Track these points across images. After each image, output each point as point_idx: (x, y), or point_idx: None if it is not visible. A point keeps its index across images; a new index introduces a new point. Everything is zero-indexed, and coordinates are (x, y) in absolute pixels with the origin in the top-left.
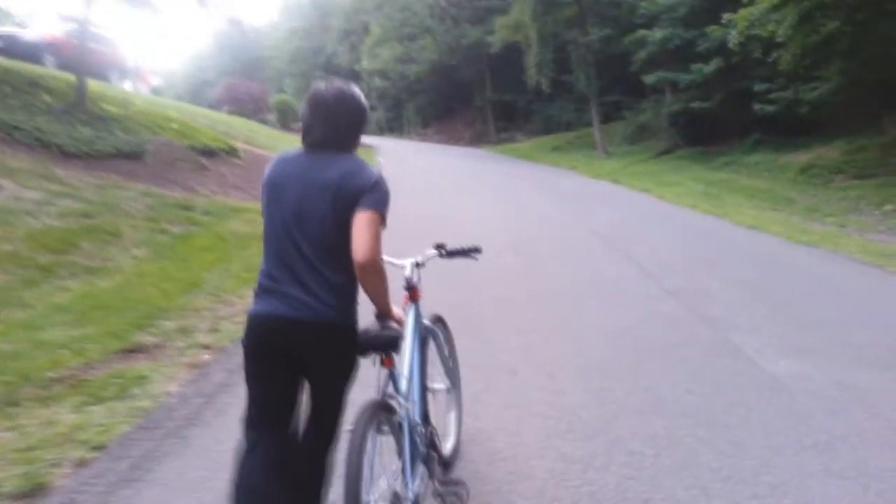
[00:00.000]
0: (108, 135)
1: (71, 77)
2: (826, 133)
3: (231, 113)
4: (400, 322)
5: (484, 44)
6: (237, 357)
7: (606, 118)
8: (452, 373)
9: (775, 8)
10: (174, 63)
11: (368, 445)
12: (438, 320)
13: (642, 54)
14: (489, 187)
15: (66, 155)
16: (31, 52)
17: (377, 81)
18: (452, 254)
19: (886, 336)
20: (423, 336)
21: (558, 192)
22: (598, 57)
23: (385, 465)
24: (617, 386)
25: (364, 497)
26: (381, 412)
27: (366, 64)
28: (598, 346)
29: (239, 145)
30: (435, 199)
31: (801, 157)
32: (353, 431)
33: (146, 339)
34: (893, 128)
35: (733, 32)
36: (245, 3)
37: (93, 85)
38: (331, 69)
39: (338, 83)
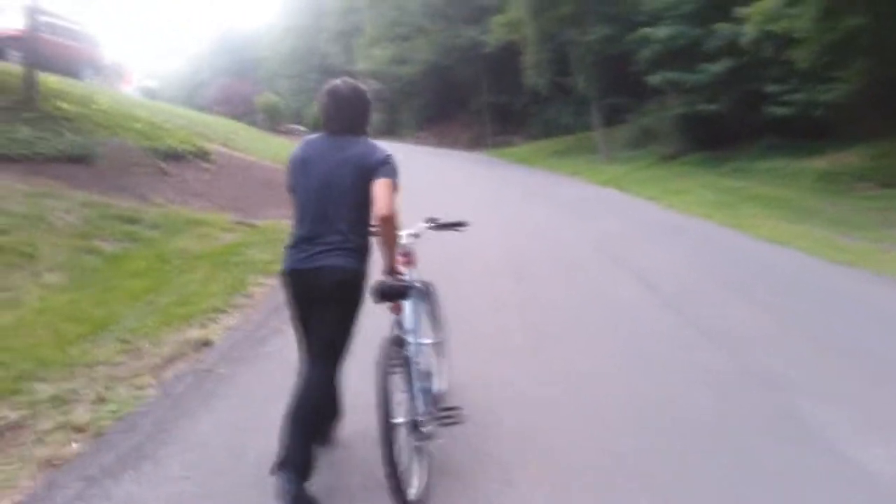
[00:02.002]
0: (54, 136)
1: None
2: (843, 137)
3: (221, 114)
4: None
5: (480, 44)
6: (118, 448)
7: (608, 121)
8: (440, 328)
9: (794, 2)
10: (171, 64)
11: (390, 372)
12: (428, 285)
13: (645, 54)
14: (484, 194)
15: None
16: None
17: (372, 83)
18: (441, 227)
19: None
20: (418, 294)
21: (558, 200)
22: (598, 57)
23: (401, 396)
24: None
25: (392, 414)
26: (396, 346)
27: (360, 65)
28: (621, 428)
29: (214, 148)
30: (422, 207)
31: (818, 163)
32: (378, 363)
33: (2, 413)
34: None
35: (746, 28)
36: (241, 4)
37: (52, 82)
38: (325, 70)
39: (350, 81)
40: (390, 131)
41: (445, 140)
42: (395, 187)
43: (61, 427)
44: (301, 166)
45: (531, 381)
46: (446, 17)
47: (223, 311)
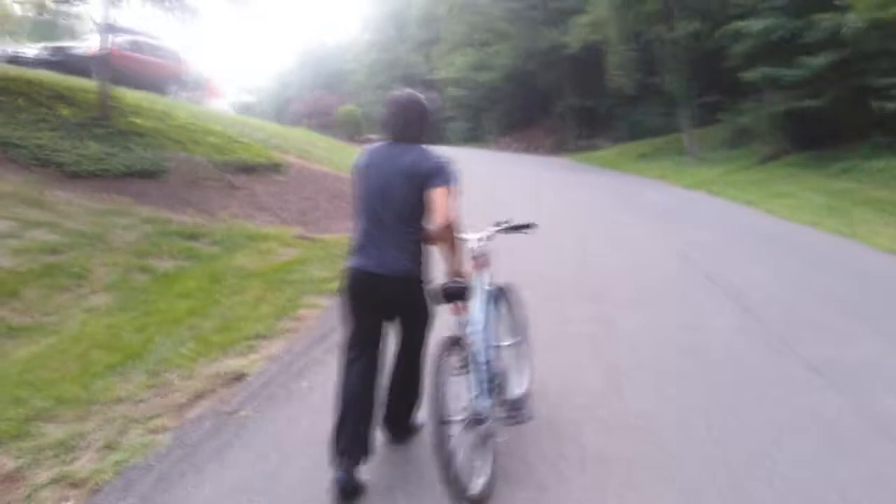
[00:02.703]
0: (124, 151)
1: (121, 90)
2: None
3: (309, 128)
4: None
5: (562, 46)
6: None
7: (699, 122)
8: (520, 329)
9: None
10: (263, 80)
11: (446, 371)
12: (507, 287)
13: (738, 49)
14: (562, 202)
15: (68, 175)
16: (83, 65)
17: (453, 91)
18: (510, 229)
19: None
20: (493, 297)
21: (643, 206)
22: (687, 54)
23: (463, 395)
24: None
25: (443, 408)
26: (453, 347)
27: (441, 73)
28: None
29: (288, 160)
30: (490, 214)
31: None
32: (433, 362)
33: (1, 461)
34: None
35: (850, 18)
36: (326, 19)
37: (130, 98)
38: (408, 80)
39: (408, 90)
40: (473, 138)
41: (529, 146)
42: (452, 193)
43: (58, 480)
44: (361, 173)
45: (600, 433)
46: (527, 21)
47: (266, 338)
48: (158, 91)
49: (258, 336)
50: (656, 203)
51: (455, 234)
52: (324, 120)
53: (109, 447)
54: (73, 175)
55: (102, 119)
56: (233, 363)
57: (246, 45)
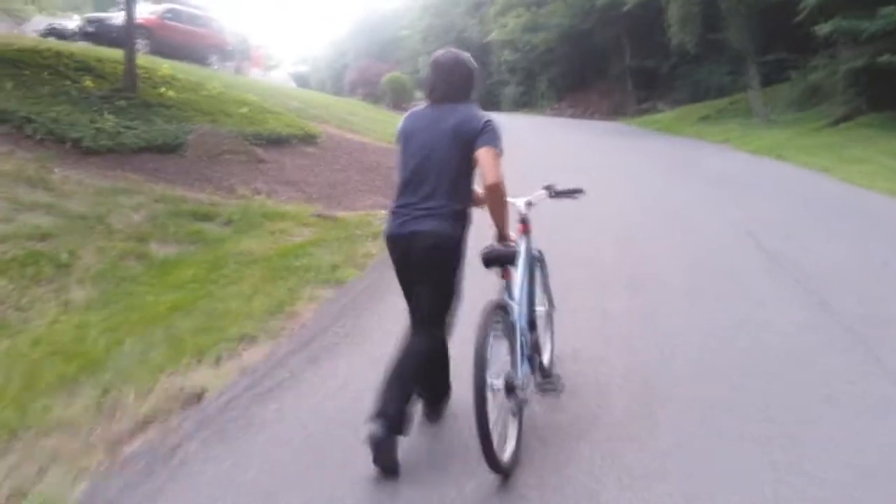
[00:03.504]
0: (144, 124)
1: (155, 61)
2: None
3: (361, 97)
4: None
5: (619, 2)
6: None
7: (767, 80)
8: (549, 298)
9: None
10: (318, 49)
11: (491, 335)
12: (540, 254)
13: (811, 0)
14: (613, 171)
15: (83, 151)
16: (121, 37)
17: (506, 54)
18: (559, 194)
19: None
20: (532, 262)
21: (703, 174)
22: (754, 7)
23: (501, 360)
24: None
25: (487, 376)
26: (499, 311)
27: (493, 36)
28: None
29: (325, 129)
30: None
31: None
32: (479, 326)
33: None
34: None
35: None
36: None
37: (165, 68)
38: (462, 44)
39: (453, 51)
40: (527, 104)
41: (585, 110)
42: (498, 153)
43: None
44: (405, 137)
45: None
46: None
47: (250, 340)
48: (200, 62)
49: (241, 338)
50: (718, 170)
51: (504, 195)
52: (374, 89)
53: (19, 494)
54: (88, 151)
55: (127, 90)
56: (199, 376)
57: (300, 13)
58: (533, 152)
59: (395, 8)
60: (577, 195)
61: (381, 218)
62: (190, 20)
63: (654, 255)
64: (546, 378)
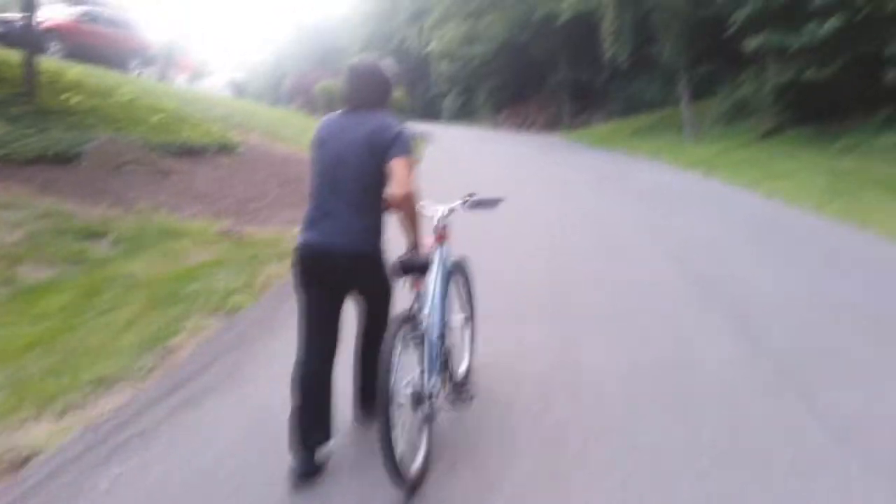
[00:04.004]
0: (39, 133)
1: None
2: None
3: (299, 107)
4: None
5: (556, 15)
6: None
7: (698, 94)
8: (470, 306)
9: None
10: (256, 57)
11: (399, 346)
12: (462, 260)
13: (741, 14)
14: (540, 186)
15: None
16: (33, 40)
17: (445, 65)
18: (477, 204)
19: None
20: (449, 272)
21: (633, 189)
22: (686, 22)
23: (410, 371)
24: None
25: (392, 387)
26: (407, 324)
27: (431, 46)
28: None
29: (249, 140)
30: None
31: None
32: (385, 337)
33: None
34: None
35: None
36: None
37: (73, 73)
38: (401, 54)
39: (368, 59)
40: (466, 114)
41: (523, 122)
42: (411, 163)
43: None
44: (318, 144)
45: None
46: None
47: (109, 384)
48: (120, 67)
49: (100, 381)
50: (648, 185)
51: (414, 206)
52: (312, 98)
53: None
54: None
55: (26, 96)
56: (34, 433)
57: (240, 19)
58: (461, 167)
59: (337, 15)
60: (495, 206)
61: (293, 235)
62: (109, 23)
63: (579, 280)
64: (461, 387)
